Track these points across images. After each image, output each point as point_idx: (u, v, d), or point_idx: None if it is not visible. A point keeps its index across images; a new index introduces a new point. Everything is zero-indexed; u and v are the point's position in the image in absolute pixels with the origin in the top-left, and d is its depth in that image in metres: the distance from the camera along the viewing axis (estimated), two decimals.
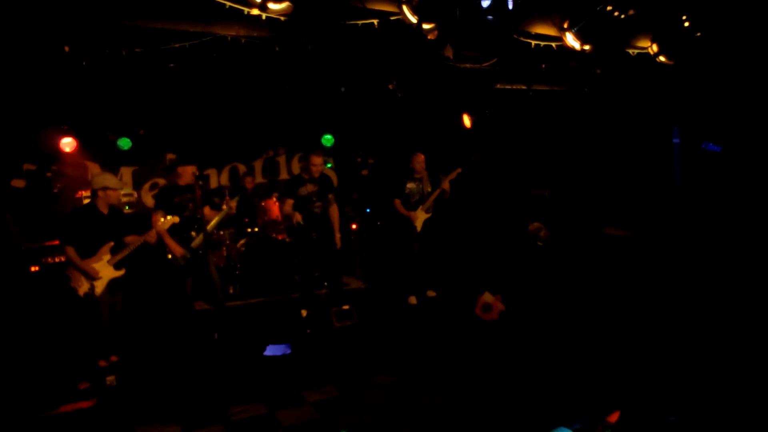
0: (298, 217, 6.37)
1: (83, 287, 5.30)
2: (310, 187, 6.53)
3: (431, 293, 7.38)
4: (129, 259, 5.54)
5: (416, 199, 7.27)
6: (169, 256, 5.84)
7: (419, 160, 7.24)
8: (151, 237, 5.53)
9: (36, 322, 6.27)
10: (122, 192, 7.84)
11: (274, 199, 8.14)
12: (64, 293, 5.41)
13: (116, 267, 5.44)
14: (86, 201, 7.26)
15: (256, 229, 8.06)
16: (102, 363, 5.36)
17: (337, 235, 6.66)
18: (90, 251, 5.34)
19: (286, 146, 9.59)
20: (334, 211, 6.73)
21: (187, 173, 5.92)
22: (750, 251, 6.69)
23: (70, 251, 5.26)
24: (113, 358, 5.46)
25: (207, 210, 5.89)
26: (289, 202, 6.49)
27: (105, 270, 5.37)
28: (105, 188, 5.43)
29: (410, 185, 7.30)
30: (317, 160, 6.50)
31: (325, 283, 6.90)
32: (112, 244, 5.43)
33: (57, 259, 6.71)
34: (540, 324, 6.28)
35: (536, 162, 9.61)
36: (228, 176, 9.29)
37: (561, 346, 5.55)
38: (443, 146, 9.24)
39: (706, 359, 4.89)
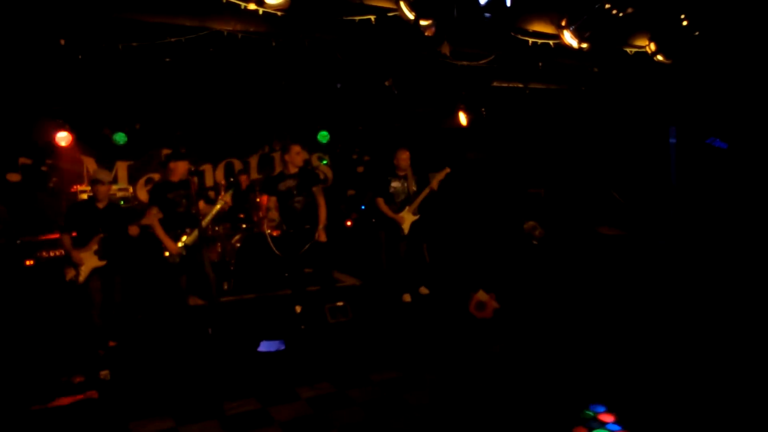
0: (283, 226, 6.31)
1: (69, 273, 5.60)
2: (289, 182, 6.26)
3: (424, 290, 7.33)
4: (120, 252, 5.79)
5: (402, 199, 6.99)
6: (167, 254, 5.82)
7: (403, 156, 6.95)
8: (133, 231, 5.76)
9: (30, 316, 6.28)
10: (116, 187, 7.87)
11: None
12: (59, 287, 5.74)
13: (99, 257, 5.67)
14: (82, 195, 7.31)
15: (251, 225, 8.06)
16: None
17: (320, 229, 6.27)
18: (83, 242, 5.64)
19: (281, 142, 9.57)
20: (321, 205, 6.35)
21: (180, 169, 5.88)
22: (746, 250, 6.71)
23: (65, 239, 5.67)
24: (111, 343, 5.65)
25: (201, 204, 5.89)
26: (272, 199, 6.33)
27: (89, 259, 5.61)
28: (95, 181, 5.70)
29: (395, 184, 6.98)
30: (296, 148, 6.26)
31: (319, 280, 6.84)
32: (102, 236, 5.66)
33: (52, 253, 6.71)
34: (534, 322, 6.29)
35: (532, 160, 9.62)
36: (223, 172, 9.28)
37: (555, 344, 5.56)
38: (438, 144, 9.25)
39: (701, 358, 4.91)
